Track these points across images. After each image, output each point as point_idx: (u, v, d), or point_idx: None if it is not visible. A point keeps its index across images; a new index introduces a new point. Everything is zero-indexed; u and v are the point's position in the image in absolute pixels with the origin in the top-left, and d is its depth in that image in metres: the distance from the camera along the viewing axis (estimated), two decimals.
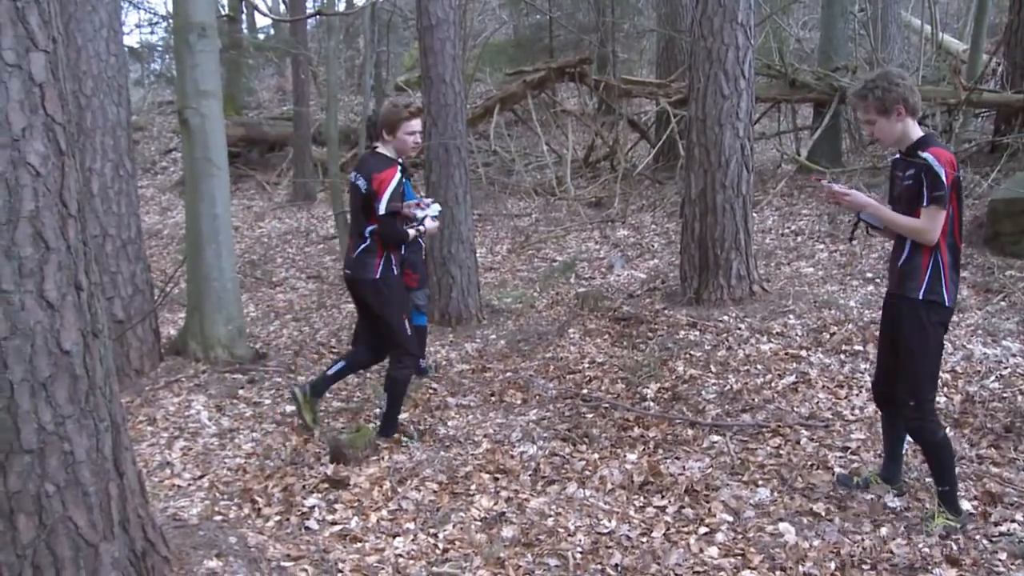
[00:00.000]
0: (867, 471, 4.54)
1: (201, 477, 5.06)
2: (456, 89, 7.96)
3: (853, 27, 14.81)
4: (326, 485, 4.83)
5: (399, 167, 5.11)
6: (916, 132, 3.93)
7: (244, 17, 20.83)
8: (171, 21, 13.68)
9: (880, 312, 4.39)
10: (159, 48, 20.60)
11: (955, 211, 3.85)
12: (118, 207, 6.55)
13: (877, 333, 4.61)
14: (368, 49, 11.96)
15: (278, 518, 4.50)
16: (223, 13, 17.44)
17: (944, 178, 3.72)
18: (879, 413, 4.59)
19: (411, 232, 5.22)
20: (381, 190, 4.95)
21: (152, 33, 25.39)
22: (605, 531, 4.27)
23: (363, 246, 5.15)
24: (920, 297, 3.90)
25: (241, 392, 6.48)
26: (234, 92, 18.36)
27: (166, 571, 3.45)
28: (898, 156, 4.06)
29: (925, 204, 3.79)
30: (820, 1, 14.73)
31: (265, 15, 25.52)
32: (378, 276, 5.15)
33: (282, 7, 22.73)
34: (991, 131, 11.80)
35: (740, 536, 4.16)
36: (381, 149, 5.17)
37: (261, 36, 23.64)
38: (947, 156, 3.77)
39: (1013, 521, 4.09)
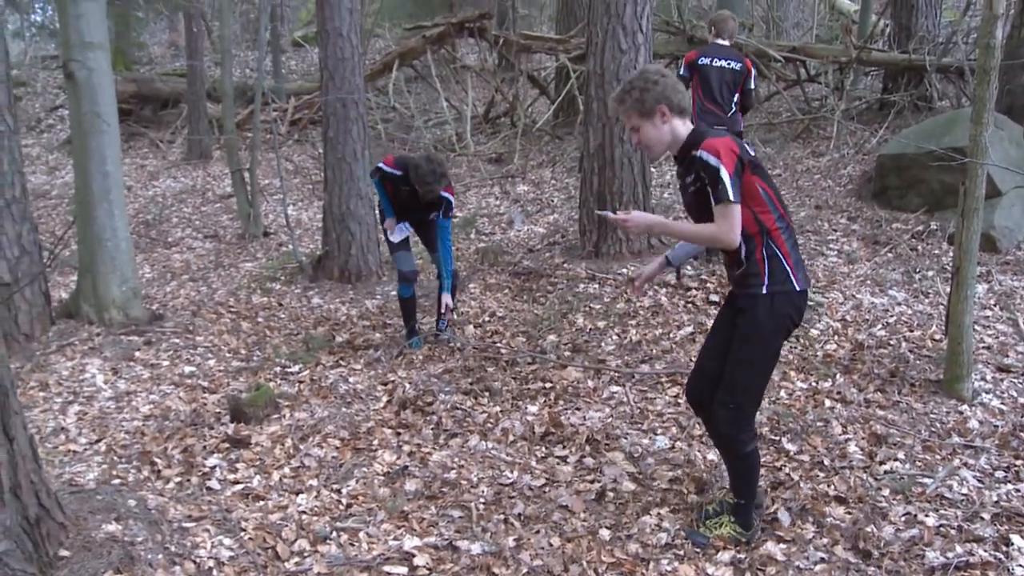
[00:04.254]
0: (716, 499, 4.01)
1: (98, 441, 4.96)
2: (353, 43, 7.84)
3: None
4: (227, 445, 4.79)
5: None
6: (684, 131, 3.46)
7: None
8: None
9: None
10: None
11: (766, 188, 3.40)
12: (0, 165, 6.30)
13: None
14: (263, 2, 11.64)
15: (179, 479, 4.45)
16: None
17: (723, 171, 3.25)
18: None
19: None
20: (750, 66, 7.22)
21: None
22: (507, 482, 4.35)
23: (732, 112, 7.16)
24: (765, 291, 3.42)
25: (138, 354, 6.34)
26: (124, 47, 17.72)
27: (62, 537, 3.39)
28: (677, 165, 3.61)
29: (714, 204, 3.31)
30: None
31: None
32: (741, 127, 7.33)
33: None
34: (880, 89, 12.18)
35: (640, 483, 4.29)
36: (723, 41, 7.23)
37: None
38: (720, 144, 3.30)
39: (895, 460, 4.31)
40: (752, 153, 3.40)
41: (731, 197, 3.25)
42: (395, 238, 6.23)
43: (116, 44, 16.53)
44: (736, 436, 3.57)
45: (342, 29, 7.74)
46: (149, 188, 12.94)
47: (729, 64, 7.07)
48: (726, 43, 7.20)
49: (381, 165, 6.05)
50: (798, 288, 3.44)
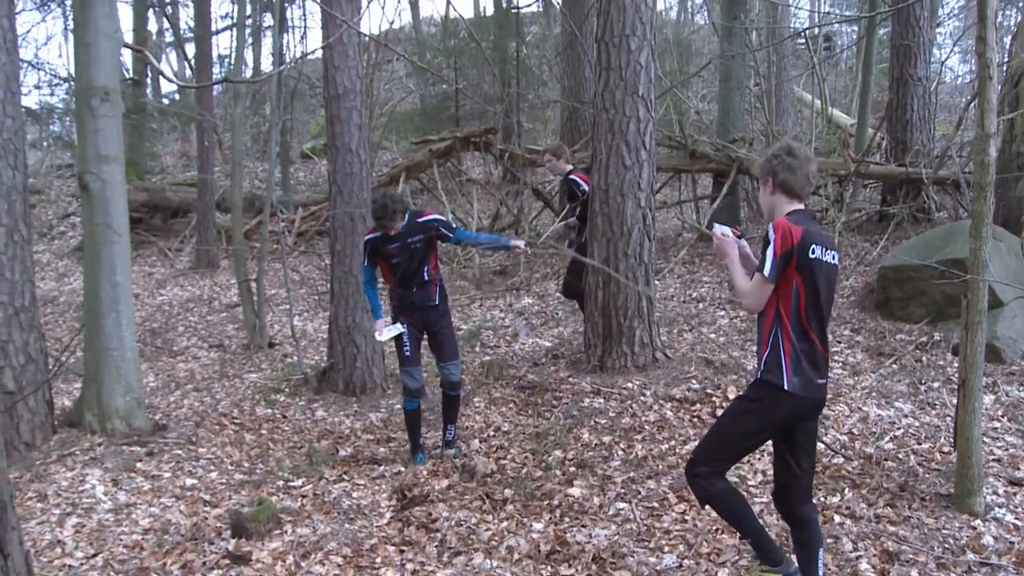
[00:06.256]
0: None
1: (95, 555, 4.88)
2: (362, 158, 8.00)
3: (749, 100, 15.42)
4: (227, 561, 4.71)
5: None
6: (784, 211, 3.72)
7: (149, 81, 20.57)
8: (72, 83, 13.43)
9: None
10: (59, 110, 20.21)
11: (801, 291, 3.60)
12: (11, 274, 6.37)
13: None
14: (274, 116, 11.92)
15: None
16: (127, 77, 17.20)
17: (771, 248, 3.52)
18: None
19: None
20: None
21: (52, 95, 24.92)
22: None
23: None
24: (759, 376, 3.67)
25: (139, 465, 6.28)
26: (137, 157, 18.06)
27: None
28: None
29: (756, 270, 3.63)
30: (718, 76, 15.30)
31: (171, 81, 25.32)
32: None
33: (188, 72, 22.55)
34: (879, 201, 12.34)
35: None
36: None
37: (166, 101, 23.38)
38: (784, 227, 3.54)
39: None
40: (815, 255, 3.57)
41: (766, 272, 3.54)
42: (382, 337, 6.25)
43: (129, 154, 16.71)
44: (699, 484, 3.84)
45: (351, 144, 7.91)
46: (156, 296, 13.03)
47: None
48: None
49: (365, 238, 6.25)
50: (786, 387, 3.58)
